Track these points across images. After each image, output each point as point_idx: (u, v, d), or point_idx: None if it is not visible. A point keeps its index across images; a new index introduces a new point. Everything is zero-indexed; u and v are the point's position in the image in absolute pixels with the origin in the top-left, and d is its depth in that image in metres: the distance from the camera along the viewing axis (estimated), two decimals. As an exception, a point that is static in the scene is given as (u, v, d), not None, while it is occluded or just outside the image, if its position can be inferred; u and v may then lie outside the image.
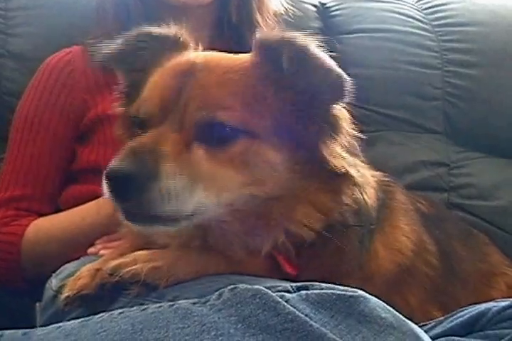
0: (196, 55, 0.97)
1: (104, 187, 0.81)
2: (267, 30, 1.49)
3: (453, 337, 0.93)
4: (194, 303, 0.75)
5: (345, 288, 0.76)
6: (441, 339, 0.93)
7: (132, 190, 0.80)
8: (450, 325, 0.96)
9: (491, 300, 1.02)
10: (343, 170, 0.90)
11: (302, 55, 0.86)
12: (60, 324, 0.81)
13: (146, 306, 0.78)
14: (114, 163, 0.80)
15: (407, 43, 1.79)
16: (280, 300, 0.72)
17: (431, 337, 0.86)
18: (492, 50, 1.79)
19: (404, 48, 1.79)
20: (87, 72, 1.41)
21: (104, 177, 0.80)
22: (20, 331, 0.81)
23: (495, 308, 0.93)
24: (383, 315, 0.74)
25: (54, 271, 1.18)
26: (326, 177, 0.90)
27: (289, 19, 1.60)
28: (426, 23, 1.84)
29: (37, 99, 1.41)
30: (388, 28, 1.81)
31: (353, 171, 0.92)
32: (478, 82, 1.77)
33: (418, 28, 1.82)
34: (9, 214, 1.34)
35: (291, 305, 0.72)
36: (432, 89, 1.76)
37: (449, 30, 1.82)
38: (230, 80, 0.88)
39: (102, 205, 1.20)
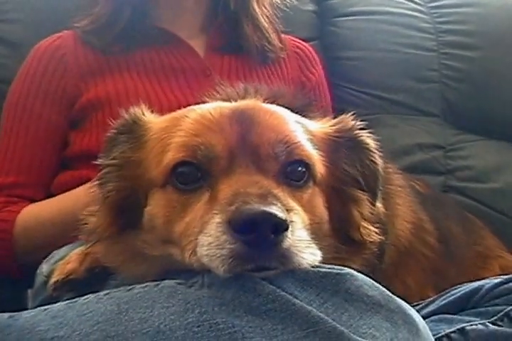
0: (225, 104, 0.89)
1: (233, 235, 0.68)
2: (263, 18, 1.48)
3: (445, 315, 0.92)
4: (179, 283, 0.75)
5: (332, 266, 0.75)
6: (434, 317, 0.93)
7: (279, 237, 0.69)
8: (443, 302, 0.95)
9: (484, 280, 1.01)
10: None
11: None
12: (47, 306, 0.80)
13: (132, 286, 0.78)
14: (250, 206, 0.68)
15: (402, 25, 1.78)
16: (259, 280, 0.71)
17: (424, 316, 0.86)
18: (488, 31, 1.78)
19: (400, 30, 1.77)
20: (79, 57, 1.40)
21: (240, 222, 0.68)
22: (7, 314, 0.80)
23: (488, 285, 0.92)
24: (370, 293, 0.73)
25: (45, 257, 1.17)
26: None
27: (285, 2, 1.59)
28: (421, 5, 1.83)
29: (27, 85, 1.39)
30: (383, 10, 1.80)
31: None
32: (475, 63, 1.75)
33: (413, 9, 1.81)
34: (0, 200, 1.32)
35: (276, 285, 0.71)
36: (428, 72, 1.75)
37: (445, 11, 1.81)
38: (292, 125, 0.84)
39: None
